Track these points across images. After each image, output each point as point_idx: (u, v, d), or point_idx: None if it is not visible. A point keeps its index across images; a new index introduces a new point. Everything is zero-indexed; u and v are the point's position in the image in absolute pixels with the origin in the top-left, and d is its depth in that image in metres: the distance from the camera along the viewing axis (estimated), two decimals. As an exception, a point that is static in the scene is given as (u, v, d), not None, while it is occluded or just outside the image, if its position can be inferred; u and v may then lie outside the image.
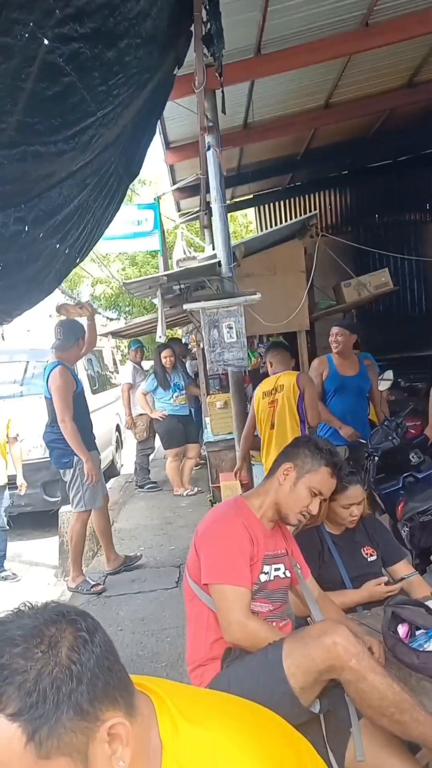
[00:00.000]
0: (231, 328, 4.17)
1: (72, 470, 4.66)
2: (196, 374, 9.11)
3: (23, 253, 2.26)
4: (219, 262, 4.41)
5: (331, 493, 2.23)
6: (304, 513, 2.02)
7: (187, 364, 10.55)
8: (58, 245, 2.54)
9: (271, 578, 2.01)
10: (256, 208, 11.81)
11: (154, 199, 9.52)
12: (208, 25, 3.14)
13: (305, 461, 2.04)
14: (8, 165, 1.79)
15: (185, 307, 4.31)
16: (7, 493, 5.62)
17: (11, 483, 5.62)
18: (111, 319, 18.11)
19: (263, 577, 1.98)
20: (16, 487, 5.69)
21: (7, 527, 5.57)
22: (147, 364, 9.75)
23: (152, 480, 7.94)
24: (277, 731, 0.93)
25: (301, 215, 6.20)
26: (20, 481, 5.58)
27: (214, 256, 4.65)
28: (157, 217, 9.31)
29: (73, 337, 4.69)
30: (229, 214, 8.27)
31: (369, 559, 2.45)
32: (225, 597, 1.86)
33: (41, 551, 6.23)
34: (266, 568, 1.99)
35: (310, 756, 0.95)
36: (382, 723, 1.61)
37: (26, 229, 2.12)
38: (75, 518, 4.80)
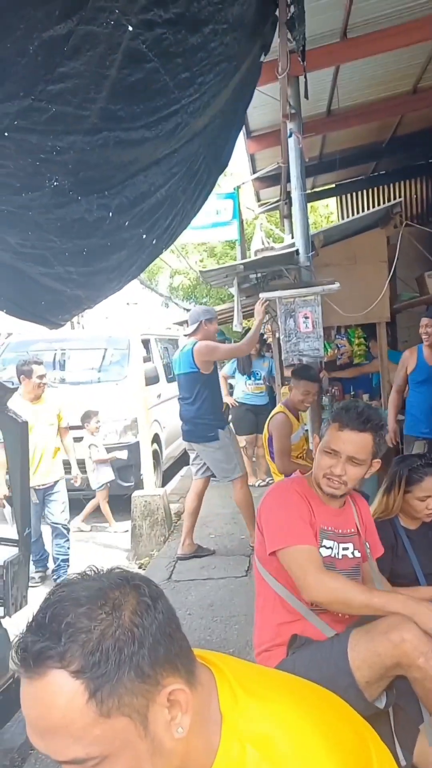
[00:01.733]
0: (307, 318, 4.11)
1: (219, 441, 4.85)
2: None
3: (107, 239, 2.30)
4: (297, 251, 4.36)
5: (407, 485, 2.17)
6: (328, 476, 1.95)
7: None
8: (145, 235, 2.57)
9: (339, 556, 1.98)
10: (338, 197, 11.59)
11: (234, 188, 9.50)
12: (291, 9, 3.09)
13: (324, 428, 2.01)
14: (90, 151, 1.82)
15: (261, 296, 4.28)
16: (61, 493, 5.27)
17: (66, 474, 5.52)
18: (188, 310, 18.30)
19: (324, 551, 1.95)
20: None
21: (65, 530, 5.24)
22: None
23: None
24: (342, 714, 0.92)
25: (384, 204, 6.02)
26: (75, 472, 5.59)
27: (292, 245, 4.60)
28: (236, 206, 9.28)
29: (195, 321, 5.00)
30: (309, 204, 8.15)
31: None
32: (295, 558, 1.84)
33: (114, 535, 6.38)
34: (328, 543, 1.96)
35: (374, 743, 0.93)
36: (452, 723, 1.57)
37: (110, 215, 2.16)
38: (239, 486, 4.98)
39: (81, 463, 5.88)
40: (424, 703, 1.62)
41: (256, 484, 7.16)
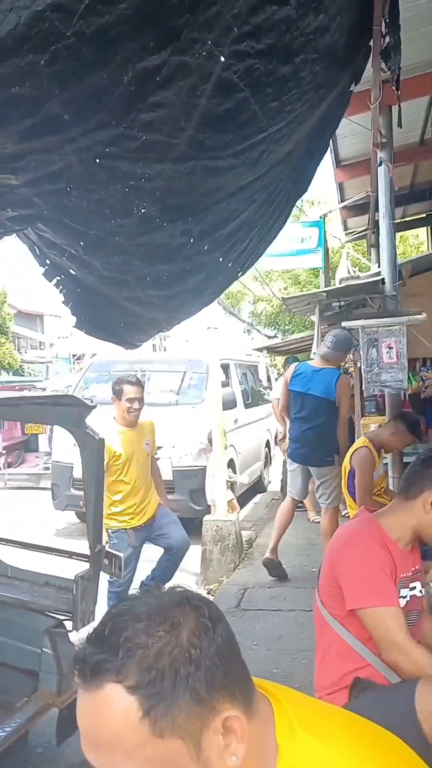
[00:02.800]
0: (391, 348, 4.02)
1: (332, 468, 4.87)
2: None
3: (187, 264, 2.34)
4: (382, 280, 4.29)
5: None
6: None
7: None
8: (221, 258, 2.60)
9: (408, 599, 1.89)
10: (429, 227, 11.37)
11: (320, 216, 9.51)
12: (386, 39, 3.07)
13: None
14: (178, 179, 1.86)
15: (344, 324, 4.23)
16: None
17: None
18: (269, 337, 18.32)
19: (401, 602, 1.86)
20: None
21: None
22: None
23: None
24: (407, 761, 0.86)
25: None
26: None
27: (378, 274, 4.53)
28: (321, 234, 9.28)
29: (342, 350, 4.87)
30: (399, 234, 8.02)
31: None
32: (381, 619, 1.77)
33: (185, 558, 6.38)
34: (403, 592, 1.88)
35: None
36: None
37: (191, 241, 2.19)
38: (329, 515, 5.00)
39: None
40: None
41: (311, 519, 6.94)
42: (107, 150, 1.56)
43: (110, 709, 0.70)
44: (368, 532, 1.93)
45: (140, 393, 4.21)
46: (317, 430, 4.89)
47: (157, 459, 4.77)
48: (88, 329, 2.48)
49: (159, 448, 4.83)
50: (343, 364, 4.91)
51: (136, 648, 0.72)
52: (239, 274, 3.03)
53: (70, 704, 2.49)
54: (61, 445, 7.08)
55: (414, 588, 1.92)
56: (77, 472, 6.61)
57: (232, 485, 6.85)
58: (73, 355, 27.64)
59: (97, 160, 1.59)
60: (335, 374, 4.79)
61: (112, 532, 4.07)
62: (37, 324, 35.32)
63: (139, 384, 4.26)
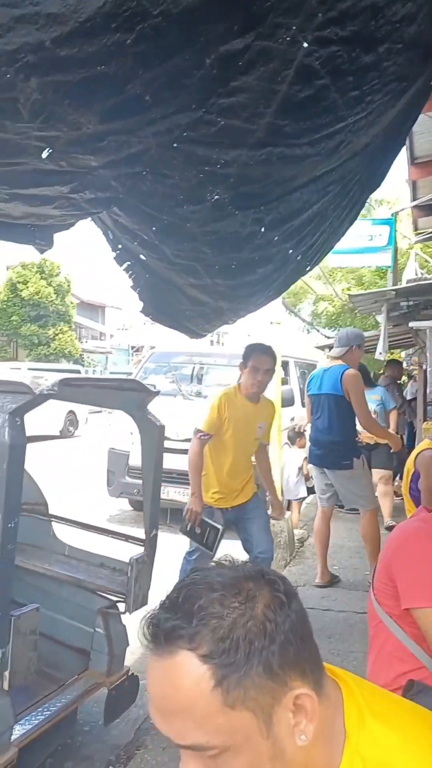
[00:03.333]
0: (459, 351, 3.91)
1: (353, 470, 4.60)
2: (414, 399, 8.67)
3: (256, 254, 2.33)
4: (454, 281, 4.17)
5: None
6: None
7: (409, 386, 10.11)
8: (291, 251, 2.58)
9: None
10: None
11: (392, 214, 9.31)
12: (473, 30, 2.98)
13: None
14: (253, 166, 1.85)
15: (411, 324, 4.14)
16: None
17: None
18: (329, 338, 18.10)
19: None
20: None
21: None
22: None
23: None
24: None
25: None
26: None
27: (450, 275, 4.41)
28: (392, 233, 9.09)
29: (347, 344, 4.77)
30: (470, 235, 7.78)
31: None
32: (430, 621, 1.73)
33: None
34: None
35: None
36: None
37: (262, 230, 2.18)
38: (368, 518, 4.73)
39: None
40: None
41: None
42: (185, 134, 1.56)
43: (182, 676, 0.70)
44: (426, 532, 1.88)
45: (270, 364, 3.71)
46: (326, 430, 4.73)
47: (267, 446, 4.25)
48: (154, 315, 2.51)
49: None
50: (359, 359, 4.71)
51: (210, 617, 0.71)
52: (308, 268, 3.00)
53: (119, 685, 2.53)
54: (117, 433, 7.17)
55: None
56: (133, 460, 6.70)
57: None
58: (132, 347, 28.04)
59: (175, 144, 1.60)
60: (340, 368, 4.63)
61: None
62: (98, 315, 35.98)
63: (271, 355, 3.75)
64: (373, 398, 6.90)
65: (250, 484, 3.95)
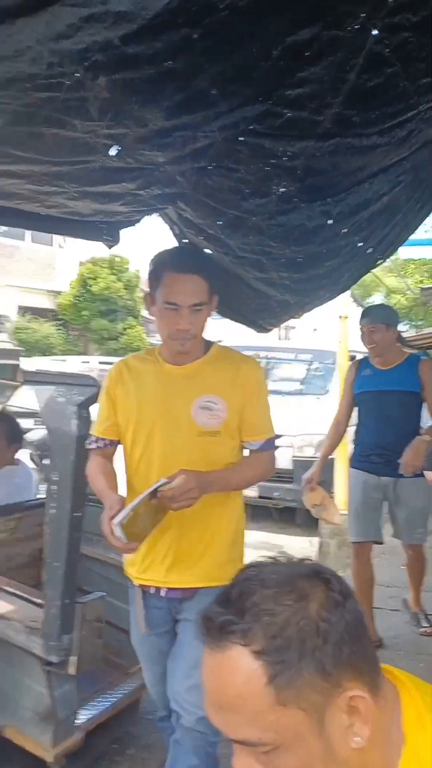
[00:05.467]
0: None
1: (424, 479, 3.64)
2: None
3: (323, 246, 2.30)
4: None
5: None
6: None
7: None
8: (360, 243, 2.53)
9: None
10: None
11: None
12: None
13: None
14: (320, 157, 1.82)
15: None
16: None
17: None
18: (402, 332, 17.70)
19: None
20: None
21: None
22: None
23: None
24: None
25: None
26: None
27: None
28: (466, 224, 8.79)
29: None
30: None
31: None
32: None
33: (300, 548, 6.35)
34: None
35: None
36: None
37: (329, 223, 2.15)
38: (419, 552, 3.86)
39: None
40: None
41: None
42: (251, 127, 1.55)
43: (235, 671, 0.71)
44: None
45: (197, 286, 1.84)
46: (397, 430, 3.58)
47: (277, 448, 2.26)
48: (220, 309, 2.51)
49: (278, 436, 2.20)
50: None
51: (263, 614, 0.72)
52: (378, 262, 2.94)
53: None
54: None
55: None
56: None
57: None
58: (200, 341, 28.20)
59: (240, 138, 1.60)
60: (415, 359, 3.72)
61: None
62: (167, 309, 36.36)
63: (200, 266, 1.88)
64: None
65: (220, 546, 1.92)
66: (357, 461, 3.83)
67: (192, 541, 1.89)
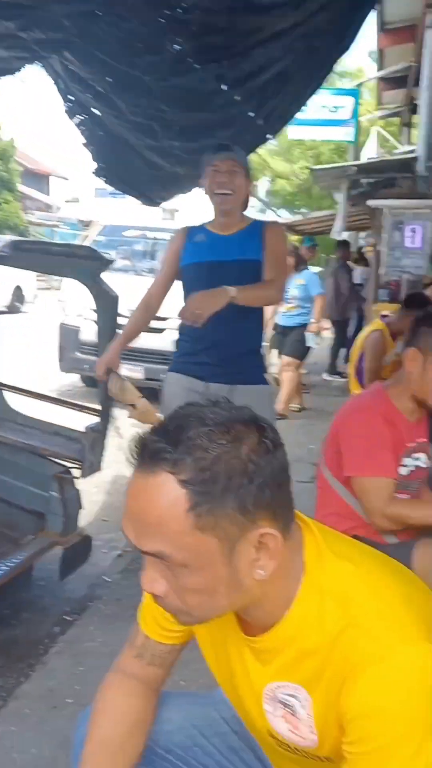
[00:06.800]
0: (415, 232, 3.90)
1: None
2: (363, 282, 8.72)
3: (216, 115, 2.22)
4: (416, 158, 4.08)
5: None
6: None
7: (358, 271, 10.14)
8: (252, 113, 2.46)
9: (412, 469, 1.95)
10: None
11: (356, 85, 8.90)
12: None
13: (427, 341, 1.85)
14: (217, 13, 1.72)
15: (369, 203, 4.07)
16: None
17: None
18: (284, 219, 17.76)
19: (403, 471, 1.92)
20: None
21: None
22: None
23: (302, 382, 7.92)
24: (424, 590, 0.92)
25: None
26: None
27: (412, 152, 4.31)
28: (356, 105, 8.72)
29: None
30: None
31: None
32: (365, 488, 1.84)
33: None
34: (406, 461, 1.92)
35: None
36: None
37: (223, 88, 2.06)
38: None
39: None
40: None
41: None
42: (145, -32, 1.42)
43: (160, 495, 0.74)
44: (374, 405, 1.95)
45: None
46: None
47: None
48: (109, 177, 2.40)
49: None
50: None
51: (196, 448, 0.74)
52: (268, 136, 2.88)
53: (73, 545, 2.64)
54: (68, 308, 7.04)
55: (418, 459, 1.96)
56: (84, 335, 6.64)
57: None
58: (81, 221, 26.89)
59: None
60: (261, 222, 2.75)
61: None
62: (44, 185, 34.05)
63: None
64: (298, 283, 6.00)
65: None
66: (178, 363, 2.65)
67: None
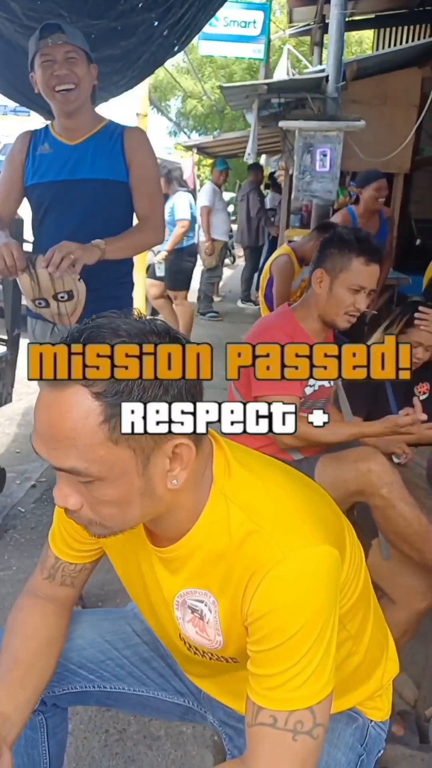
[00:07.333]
0: (325, 155, 3.88)
1: None
2: (275, 208, 8.69)
3: (118, 22, 2.10)
4: (326, 78, 4.02)
5: (405, 326, 2.11)
6: (351, 313, 1.90)
7: (269, 197, 10.08)
8: (156, 23, 2.33)
9: (316, 389, 2.01)
10: (376, 31, 10.50)
11: (266, 0, 8.58)
12: None
13: (334, 261, 1.90)
14: None
15: (281, 124, 4.00)
16: None
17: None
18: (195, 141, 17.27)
19: (308, 390, 1.98)
20: None
21: None
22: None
23: (215, 310, 7.94)
24: (327, 501, 0.98)
25: (426, 39, 5.50)
26: None
27: (322, 71, 4.24)
28: (266, 20, 8.42)
29: None
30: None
31: (421, 397, 2.25)
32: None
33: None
34: (311, 381, 1.98)
35: (349, 530, 1.01)
36: (403, 548, 1.69)
37: (126, -7, 1.94)
38: None
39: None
40: (381, 527, 1.74)
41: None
42: None
43: (72, 408, 0.73)
44: (280, 325, 1.97)
45: None
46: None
47: None
48: (5, 90, 2.23)
49: None
50: None
51: None
52: (175, 48, 2.75)
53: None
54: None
55: (323, 379, 2.02)
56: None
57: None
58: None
59: None
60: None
61: None
62: None
63: None
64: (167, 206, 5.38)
65: None
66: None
67: None
